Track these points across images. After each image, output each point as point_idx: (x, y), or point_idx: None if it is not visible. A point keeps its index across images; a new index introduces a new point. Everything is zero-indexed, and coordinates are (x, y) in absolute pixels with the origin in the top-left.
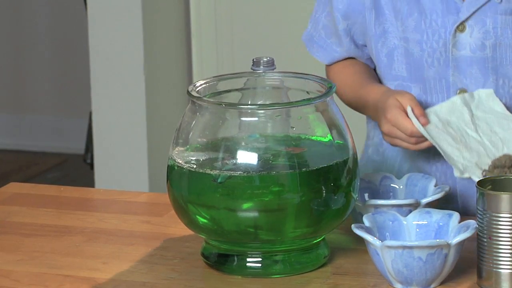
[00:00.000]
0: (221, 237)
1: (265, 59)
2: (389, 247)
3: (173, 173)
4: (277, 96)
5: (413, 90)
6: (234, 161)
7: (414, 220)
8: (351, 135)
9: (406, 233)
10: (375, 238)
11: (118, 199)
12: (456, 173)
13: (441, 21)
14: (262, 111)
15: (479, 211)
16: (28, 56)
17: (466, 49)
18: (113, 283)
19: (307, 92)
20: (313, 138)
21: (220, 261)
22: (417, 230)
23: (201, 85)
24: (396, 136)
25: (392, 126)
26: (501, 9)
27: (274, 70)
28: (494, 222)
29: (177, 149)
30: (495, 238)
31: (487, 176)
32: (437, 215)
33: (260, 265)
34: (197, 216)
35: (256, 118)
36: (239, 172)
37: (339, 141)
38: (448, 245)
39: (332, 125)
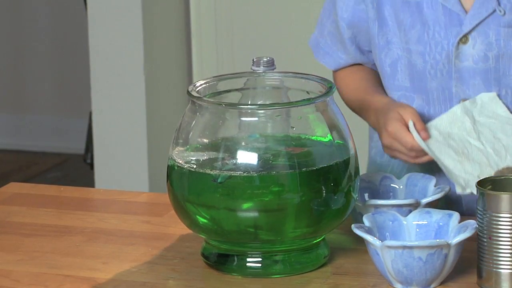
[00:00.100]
0: (221, 237)
1: (265, 59)
2: (389, 247)
3: (173, 173)
4: (277, 96)
5: (416, 101)
6: (234, 161)
7: (414, 220)
8: (351, 135)
9: (406, 233)
10: (375, 238)
11: (118, 199)
12: (458, 190)
13: (444, 33)
14: (262, 111)
15: (479, 211)
16: (28, 56)
17: (468, 60)
18: (113, 283)
19: (307, 92)
20: (313, 138)
21: (220, 261)
22: (417, 230)
23: (201, 85)
24: (396, 149)
25: (392, 139)
26: (504, 21)
27: (274, 70)
28: (494, 222)
29: (177, 149)
30: (495, 238)
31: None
32: (437, 215)
33: (260, 265)
34: (197, 216)
35: (256, 118)
36: (239, 172)
37: (339, 141)
38: (448, 245)
39: (332, 125)
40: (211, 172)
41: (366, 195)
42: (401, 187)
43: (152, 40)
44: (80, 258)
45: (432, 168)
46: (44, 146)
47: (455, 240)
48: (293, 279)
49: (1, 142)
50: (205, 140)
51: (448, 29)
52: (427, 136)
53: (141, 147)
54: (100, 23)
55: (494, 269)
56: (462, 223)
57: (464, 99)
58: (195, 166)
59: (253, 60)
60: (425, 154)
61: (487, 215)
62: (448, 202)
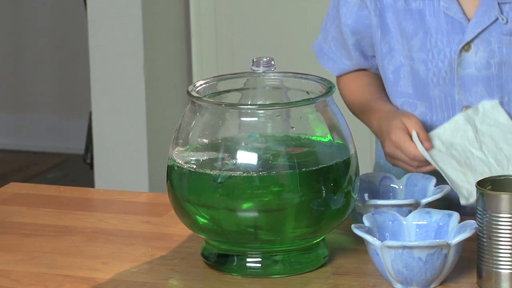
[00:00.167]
0: (221, 237)
1: (265, 59)
2: (389, 247)
3: (173, 173)
4: (277, 96)
5: (418, 108)
6: (234, 161)
7: (414, 220)
8: (351, 135)
9: (406, 233)
10: (375, 238)
11: (118, 199)
12: (462, 201)
13: (446, 41)
14: (262, 111)
15: (479, 211)
16: (28, 56)
17: (471, 67)
18: (113, 283)
19: (307, 92)
20: (313, 138)
21: (220, 261)
22: (417, 230)
23: (201, 85)
24: (398, 158)
25: (395, 148)
26: (507, 29)
27: (274, 70)
28: (494, 222)
29: (177, 149)
30: (495, 238)
31: None
32: (437, 215)
33: (260, 265)
34: (197, 216)
35: (256, 118)
36: (239, 172)
37: (339, 141)
38: (448, 245)
39: (332, 125)
40: (211, 172)
41: (366, 195)
42: (401, 187)
43: (152, 40)
44: (80, 258)
45: (434, 171)
46: (44, 146)
47: (455, 240)
48: (293, 279)
49: (1, 142)
50: (205, 140)
51: (450, 37)
52: (430, 146)
53: (141, 147)
54: (100, 23)
55: (494, 269)
56: (462, 223)
57: (467, 106)
58: (195, 166)
59: (253, 60)
60: (428, 164)
61: (487, 215)
62: (449, 202)
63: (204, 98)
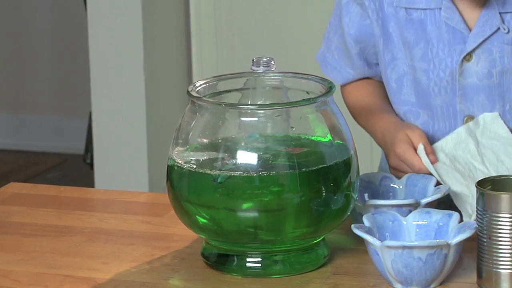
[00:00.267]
0: (221, 237)
1: (265, 59)
2: (389, 247)
3: (173, 173)
4: (277, 96)
5: (421, 116)
6: (234, 161)
7: (414, 220)
8: (351, 135)
9: (406, 233)
10: (375, 238)
11: (118, 199)
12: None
13: (448, 51)
14: (262, 111)
15: (479, 211)
16: (28, 56)
17: (472, 77)
18: (113, 283)
19: (307, 92)
20: (313, 138)
21: (220, 261)
22: (417, 230)
23: (201, 85)
24: (403, 170)
25: (400, 161)
26: (508, 39)
27: (274, 70)
28: (494, 222)
29: (177, 149)
30: (495, 238)
31: None
32: (437, 215)
33: (260, 265)
34: (197, 216)
35: (256, 118)
36: (239, 172)
37: (339, 141)
38: (448, 245)
39: (332, 125)
40: (211, 172)
41: (366, 195)
42: (401, 187)
43: (152, 40)
44: (80, 258)
45: None
46: (44, 146)
47: (455, 240)
48: (293, 279)
49: (1, 142)
50: (205, 140)
51: (451, 47)
52: (435, 160)
53: (141, 147)
54: (100, 23)
55: (494, 269)
56: (462, 223)
57: (469, 116)
58: (195, 166)
59: (253, 60)
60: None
61: (487, 215)
62: (449, 202)
63: (204, 98)
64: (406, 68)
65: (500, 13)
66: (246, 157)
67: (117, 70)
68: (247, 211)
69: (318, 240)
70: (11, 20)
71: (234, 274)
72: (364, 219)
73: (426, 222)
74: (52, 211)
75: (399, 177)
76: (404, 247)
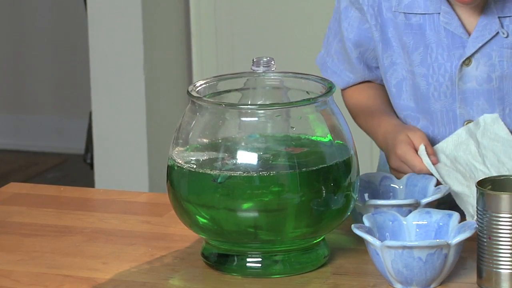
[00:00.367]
0: (221, 237)
1: (265, 59)
2: (389, 247)
3: (173, 173)
4: (277, 96)
5: (421, 121)
6: (234, 161)
7: (414, 220)
8: (351, 135)
9: (406, 233)
10: (375, 238)
11: (118, 199)
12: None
13: (447, 56)
14: (262, 111)
15: (479, 211)
16: (28, 56)
17: (472, 82)
18: (113, 283)
19: (307, 92)
20: (313, 138)
21: (220, 261)
22: (417, 230)
23: (201, 85)
24: (403, 171)
25: (400, 162)
26: (507, 43)
27: (274, 70)
28: (494, 222)
29: (177, 149)
30: (495, 238)
31: None
32: (437, 215)
33: (260, 265)
34: (197, 216)
35: (256, 118)
36: (239, 172)
37: (339, 141)
38: (448, 245)
39: (332, 125)
40: (211, 172)
41: (366, 195)
42: (401, 187)
43: (152, 40)
44: (80, 258)
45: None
46: (44, 146)
47: (455, 240)
48: (293, 279)
49: (1, 142)
50: (205, 140)
51: (451, 51)
52: (436, 161)
53: (141, 147)
54: (100, 23)
55: (494, 269)
56: (462, 223)
57: (468, 120)
58: (195, 166)
59: (253, 60)
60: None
61: (487, 215)
62: (449, 202)
63: (204, 98)
64: (405, 73)
65: (499, 17)
66: (246, 157)
67: (117, 70)
68: (247, 211)
69: (318, 240)
70: (11, 20)
71: (234, 274)
72: (364, 219)
73: (426, 222)
74: (52, 211)
75: (399, 179)
76: (404, 247)
